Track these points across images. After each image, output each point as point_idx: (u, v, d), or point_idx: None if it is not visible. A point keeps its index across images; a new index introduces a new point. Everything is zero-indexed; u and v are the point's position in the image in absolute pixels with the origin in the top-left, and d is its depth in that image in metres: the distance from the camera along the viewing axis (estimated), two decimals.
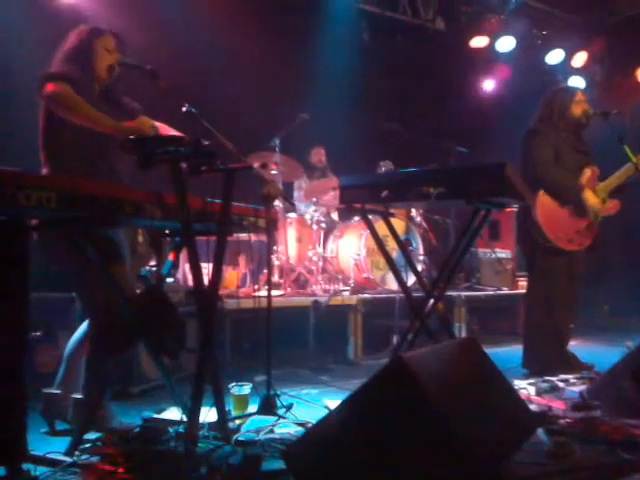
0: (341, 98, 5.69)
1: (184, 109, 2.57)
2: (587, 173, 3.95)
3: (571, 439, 2.42)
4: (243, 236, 3.85)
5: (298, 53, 5.67)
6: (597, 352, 4.51)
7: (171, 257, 2.54)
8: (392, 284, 4.99)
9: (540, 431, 2.48)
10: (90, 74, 2.67)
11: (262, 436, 2.49)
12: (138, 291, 2.58)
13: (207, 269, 2.50)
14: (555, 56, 6.99)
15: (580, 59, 7.04)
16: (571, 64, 7.07)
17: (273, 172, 4.98)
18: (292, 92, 5.55)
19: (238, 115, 5.12)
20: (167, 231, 2.57)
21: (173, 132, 2.68)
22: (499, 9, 6.46)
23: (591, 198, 3.89)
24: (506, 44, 6.71)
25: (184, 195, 2.29)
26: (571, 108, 3.97)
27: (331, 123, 5.67)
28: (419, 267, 4.97)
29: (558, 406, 2.99)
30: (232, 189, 2.43)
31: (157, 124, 2.66)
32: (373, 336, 4.81)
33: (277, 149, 5.05)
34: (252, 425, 2.66)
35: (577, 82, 7.04)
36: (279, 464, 2.12)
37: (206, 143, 2.32)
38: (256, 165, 2.72)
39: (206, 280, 2.46)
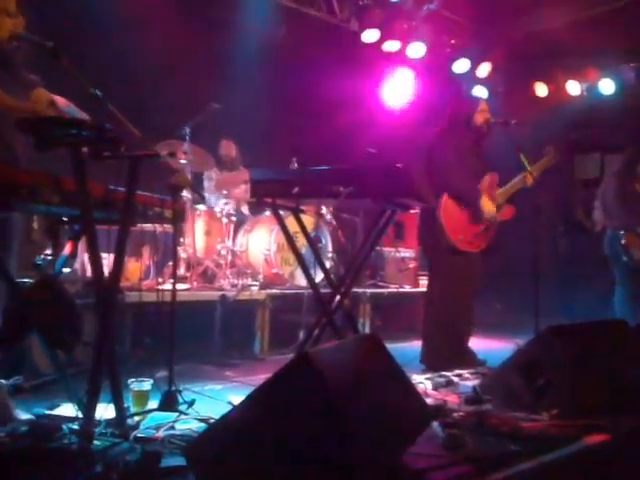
0: (255, 91, 5.64)
1: (89, 91, 2.44)
2: (487, 180, 4.17)
3: (464, 431, 2.54)
4: (148, 226, 3.73)
5: (213, 43, 5.56)
6: (489, 349, 4.75)
7: (69, 246, 2.41)
8: (301, 280, 5.02)
9: (435, 424, 2.59)
10: None
11: (162, 433, 2.43)
12: (32, 280, 2.44)
13: (108, 260, 2.40)
14: (461, 65, 7.29)
15: (484, 69, 7.38)
16: (476, 74, 7.40)
17: (182, 161, 4.85)
18: (205, 82, 5.44)
19: (147, 101, 4.95)
20: (65, 218, 2.45)
21: (73, 107, 2.55)
22: (411, 15, 6.65)
23: (487, 205, 4.10)
24: (416, 50, 6.92)
25: (84, 181, 2.18)
26: (475, 117, 4.16)
27: (245, 116, 5.61)
28: (327, 264, 5.03)
29: (453, 400, 3.13)
30: (137, 177, 2.35)
31: (56, 97, 2.51)
32: (280, 331, 4.82)
33: (187, 138, 4.93)
34: (152, 421, 2.59)
35: (480, 91, 7.38)
36: (179, 461, 2.08)
37: (110, 128, 2.23)
38: (163, 153, 2.63)
39: (106, 271, 2.37)
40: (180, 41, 5.28)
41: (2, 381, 2.66)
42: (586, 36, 6.08)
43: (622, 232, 4.57)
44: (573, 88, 7.35)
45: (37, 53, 2.53)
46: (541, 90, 7.54)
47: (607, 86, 7.15)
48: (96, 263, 2.30)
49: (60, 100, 2.53)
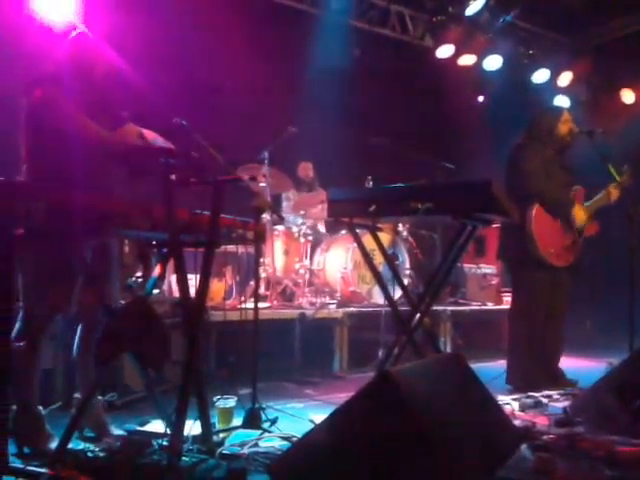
0: (331, 112, 5.73)
1: (174, 121, 2.58)
2: (574, 192, 4.01)
3: (554, 455, 2.43)
4: (230, 247, 3.84)
5: (289, 67, 5.71)
6: (580, 368, 4.53)
7: (158, 269, 2.52)
8: (378, 298, 4.99)
9: (524, 447, 2.49)
10: (84, 78, 2.62)
11: (247, 450, 2.48)
12: (124, 302, 2.57)
13: (194, 280, 2.49)
14: (541, 75, 7.09)
15: (565, 79, 7.15)
16: (557, 83, 7.18)
17: (261, 184, 4.99)
18: (282, 106, 5.58)
19: (227, 128, 5.14)
20: (154, 242, 2.57)
21: (159, 139, 2.68)
22: (487, 28, 6.55)
23: (579, 213, 3.95)
24: (493, 63, 6.80)
25: (173, 206, 2.29)
26: (558, 127, 4.02)
27: (320, 137, 5.70)
28: (405, 281, 4.98)
29: (542, 422, 3.01)
30: (221, 201, 2.44)
31: (144, 131, 2.66)
32: (359, 350, 4.80)
33: (266, 161, 5.07)
34: (237, 438, 2.64)
35: (562, 101, 7.15)
36: (263, 478, 2.11)
37: (195, 155, 2.33)
38: (245, 177, 2.72)
39: (192, 291, 2.46)
40: (259, 67, 5.45)
41: (99, 398, 2.81)
42: None
43: None
44: None
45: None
46: (628, 97, 7.20)
47: None
48: (183, 284, 2.40)
49: (148, 133, 2.68)
